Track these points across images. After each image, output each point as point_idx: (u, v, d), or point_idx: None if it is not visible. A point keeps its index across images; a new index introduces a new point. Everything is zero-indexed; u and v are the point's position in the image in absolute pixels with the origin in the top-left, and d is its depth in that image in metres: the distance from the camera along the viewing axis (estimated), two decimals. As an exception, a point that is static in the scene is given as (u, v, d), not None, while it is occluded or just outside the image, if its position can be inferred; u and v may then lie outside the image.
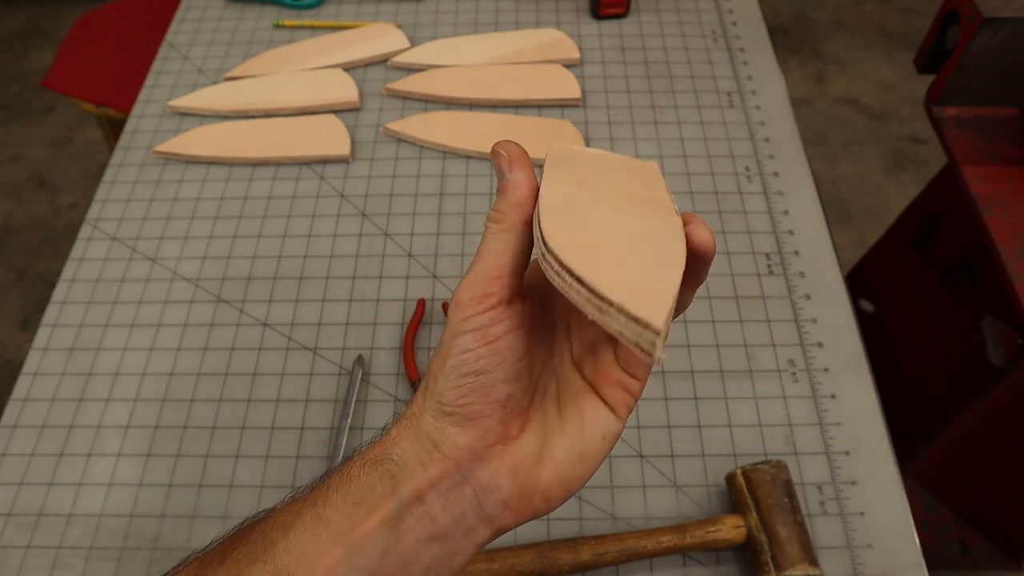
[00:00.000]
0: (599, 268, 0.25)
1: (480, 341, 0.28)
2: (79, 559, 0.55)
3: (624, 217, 0.28)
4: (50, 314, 0.68)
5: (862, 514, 0.55)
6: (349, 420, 0.59)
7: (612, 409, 0.30)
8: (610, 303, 0.24)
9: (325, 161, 0.78)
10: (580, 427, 0.30)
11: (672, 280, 0.25)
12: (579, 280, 0.25)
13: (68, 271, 0.71)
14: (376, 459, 0.29)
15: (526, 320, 0.29)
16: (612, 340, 0.31)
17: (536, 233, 0.28)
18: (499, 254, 0.29)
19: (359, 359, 0.63)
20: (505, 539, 0.54)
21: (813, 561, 0.50)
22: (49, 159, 1.95)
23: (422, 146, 0.79)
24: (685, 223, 0.28)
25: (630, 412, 0.31)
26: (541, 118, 0.80)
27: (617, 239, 0.27)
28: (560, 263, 0.25)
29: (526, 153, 0.30)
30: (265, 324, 0.66)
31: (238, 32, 0.92)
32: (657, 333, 0.23)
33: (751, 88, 0.83)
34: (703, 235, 0.27)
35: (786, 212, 0.72)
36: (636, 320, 0.23)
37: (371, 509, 0.28)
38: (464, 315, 0.28)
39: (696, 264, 0.28)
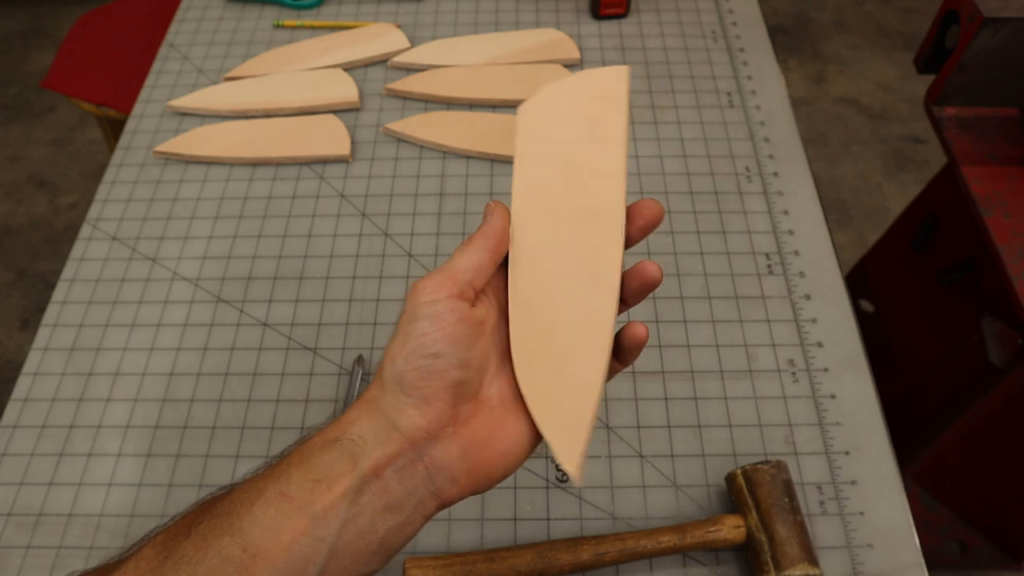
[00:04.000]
0: (541, 398, 0.34)
1: (435, 326, 0.32)
2: (79, 559, 0.55)
3: (569, 285, 0.36)
4: (50, 314, 0.68)
5: (862, 514, 0.55)
6: (349, 420, 0.59)
7: None
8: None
9: (325, 161, 0.78)
10: (521, 419, 0.35)
11: (590, 404, 0.34)
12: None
13: (68, 271, 0.71)
14: (336, 439, 0.32)
15: (480, 323, 0.34)
16: None
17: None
18: (460, 260, 0.34)
19: (359, 359, 0.63)
20: (505, 539, 0.54)
21: (813, 561, 0.50)
22: (49, 159, 1.95)
23: (422, 146, 0.79)
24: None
25: None
26: (541, 118, 0.80)
27: (559, 334, 0.35)
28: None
29: (507, 209, 0.37)
30: (265, 324, 0.66)
31: (238, 32, 0.92)
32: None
33: (751, 88, 0.83)
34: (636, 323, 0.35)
35: (786, 212, 0.72)
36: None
37: (332, 484, 0.30)
38: (418, 301, 0.32)
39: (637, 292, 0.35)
